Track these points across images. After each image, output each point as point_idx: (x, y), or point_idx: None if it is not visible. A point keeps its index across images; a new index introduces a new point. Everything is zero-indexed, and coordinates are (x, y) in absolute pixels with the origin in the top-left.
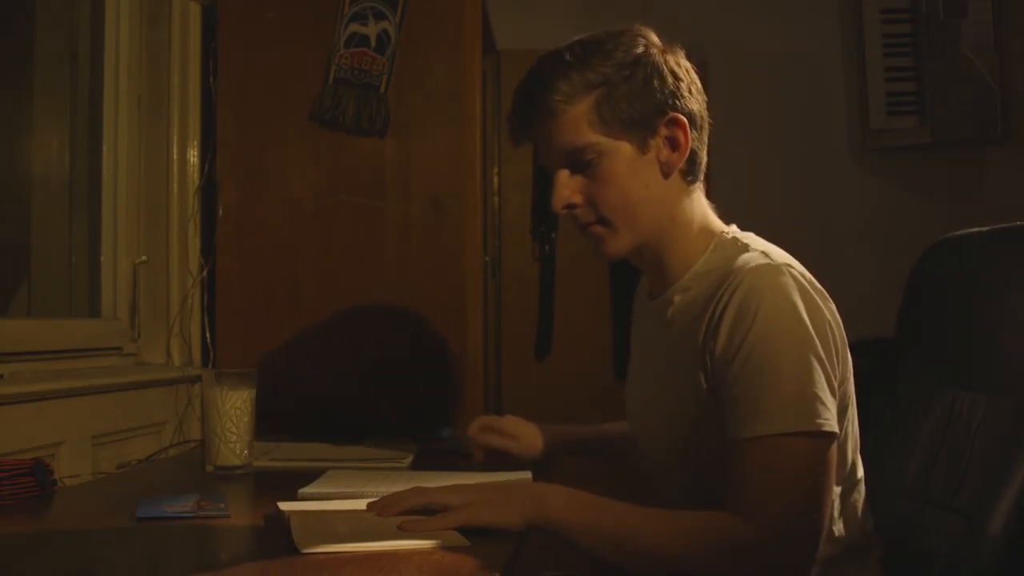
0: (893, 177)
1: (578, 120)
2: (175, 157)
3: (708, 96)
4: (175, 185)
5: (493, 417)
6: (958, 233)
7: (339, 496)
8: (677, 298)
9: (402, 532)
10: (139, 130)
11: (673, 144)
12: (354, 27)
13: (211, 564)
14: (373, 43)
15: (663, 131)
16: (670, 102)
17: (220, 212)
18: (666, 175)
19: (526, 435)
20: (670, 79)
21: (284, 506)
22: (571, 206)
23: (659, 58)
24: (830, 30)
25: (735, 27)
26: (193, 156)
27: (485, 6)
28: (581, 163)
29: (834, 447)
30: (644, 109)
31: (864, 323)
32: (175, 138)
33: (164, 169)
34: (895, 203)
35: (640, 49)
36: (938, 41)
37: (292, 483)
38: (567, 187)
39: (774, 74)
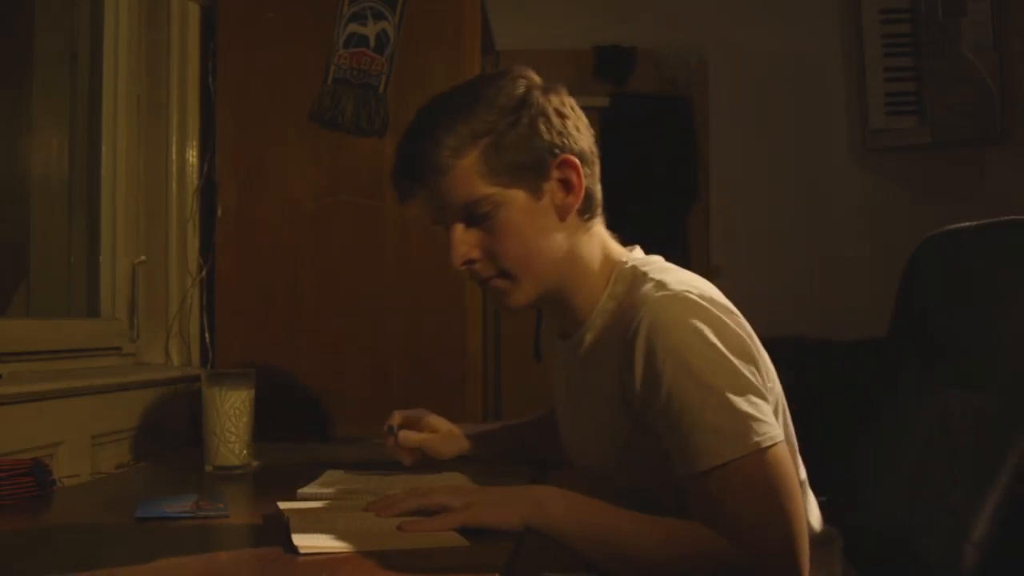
0: (893, 177)
1: (468, 173)
2: (174, 157)
3: (709, 97)
4: (174, 185)
5: (411, 411)
6: (947, 228)
7: (338, 496)
8: (588, 336)
9: (401, 532)
10: (138, 130)
11: (567, 186)
12: (353, 27)
13: (210, 563)
14: (372, 43)
15: (555, 174)
16: (559, 143)
17: (219, 212)
18: (563, 218)
19: (447, 430)
20: (556, 119)
21: (284, 505)
22: (470, 261)
23: (542, 99)
24: (830, 30)
25: (735, 27)
26: (192, 156)
27: (484, 6)
28: (476, 216)
29: (779, 451)
30: (533, 154)
31: (864, 323)
32: (174, 138)
33: (163, 169)
34: (895, 203)
35: (521, 91)
36: (937, 41)
37: (291, 483)
38: (464, 243)
39: (774, 74)
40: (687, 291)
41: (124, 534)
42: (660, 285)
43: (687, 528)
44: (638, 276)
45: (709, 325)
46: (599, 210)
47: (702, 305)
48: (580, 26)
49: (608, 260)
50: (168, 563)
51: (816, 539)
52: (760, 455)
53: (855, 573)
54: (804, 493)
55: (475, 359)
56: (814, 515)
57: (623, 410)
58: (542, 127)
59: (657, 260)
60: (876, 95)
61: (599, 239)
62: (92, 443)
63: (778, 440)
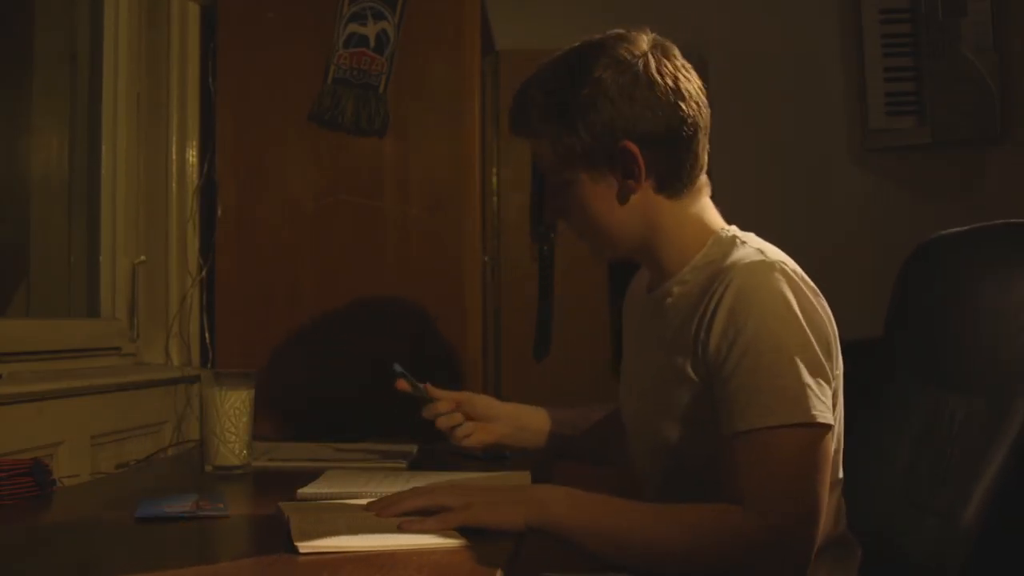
0: (892, 177)
1: (543, 149)
2: (174, 157)
3: (708, 97)
4: (174, 185)
5: (466, 395)
6: (944, 232)
7: (338, 496)
8: (676, 289)
9: (402, 532)
10: (138, 130)
11: (627, 172)
12: (353, 27)
13: (210, 564)
14: (372, 43)
15: (618, 157)
16: (622, 131)
17: (219, 212)
18: (623, 201)
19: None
20: (625, 104)
21: (284, 505)
22: (552, 226)
23: (614, 83)
24: (829, 30)
25: (735, 27)
26: (192, 156)
27: (484, 6)
28: (553, 188)
29: (830, 437)
30: (596, 140)
31: (862, 323)
32: (174, 138)
33: (163, 169)
34: (894, 203)
35: (595, 76)
36: (937, 41)
37: (291, 483)
38: (549, 208)
39: (774, 74)
40: (784, 263)
41: (124, 534)
42: (759, 252)
43: (701, 511)
44: (736, 244)
45: (797, 298)
46: (686, 186)
47: (794, 279)
48: (580, 26)
49: (705, 227)
50: (168, 563)
51: (837, 538)
52: (810, 430)
53: None
54: (835, 492)
55: (475, 359)
56: (837, 516)
57: (691, 362)
58: (606, 112)
59: (755, 236)
60: (876, 95)
61: (694, 209)
62: (92, 443)
63: (830, 423)
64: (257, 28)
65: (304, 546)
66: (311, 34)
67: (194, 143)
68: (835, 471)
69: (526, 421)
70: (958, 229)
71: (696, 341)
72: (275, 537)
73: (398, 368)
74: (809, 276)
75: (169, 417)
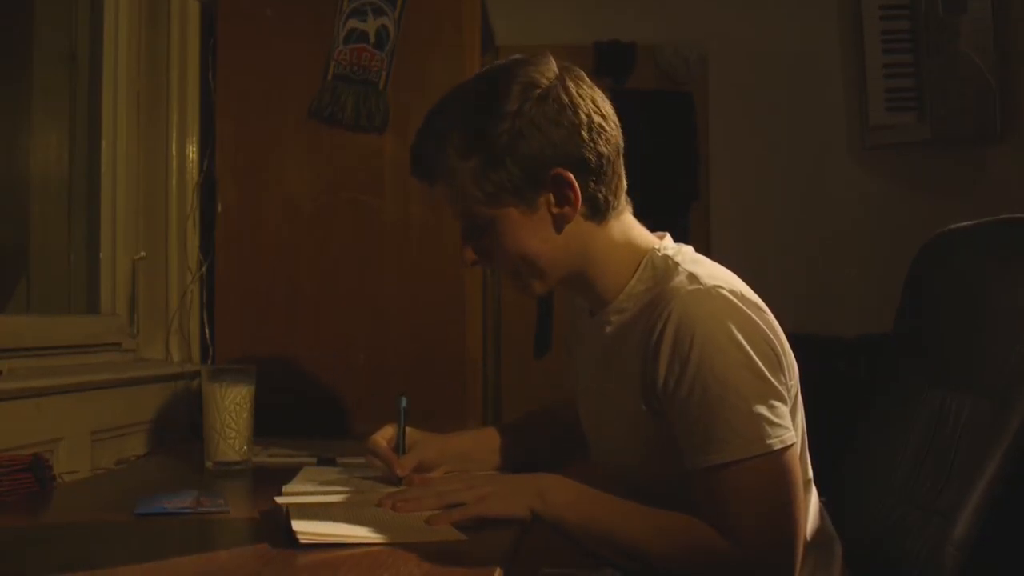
0: (892, 174)
1: (463, 189)
2: (174, 154)
3: (708, 94)
4: (174, 182)
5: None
6: (949, 228)
7: (326, 491)
8: (614, 318)
9: (398, 527)
10: (138, 127)
11: (562, 200)
12: (353, 23)
13: (210, 560)
14: (372, 39)
15: (550, 186)
16: (551, 154)
17: (219, 209)
18: (559, 229)
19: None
20: (552, 131)
21: (281, 500)
22: (477, 262)
23: (535, 109)
24: (830, 27)
25: (735, 23)
26: (192, 153)
27: (484, 2)
28: (475, 226)
29: (791, 455)
30: (525, 172)
31: (863, 320)
32: (174, 135)
33: (163, 166)
34: (894, 200)
35: (515, 106)
36: (937, 38)
37: (291, 479)
38: (467, 248)
39: (774, 71)
40: (719, 286)
41: (124, 530)
42: (692, 278)
43: (681, 521)
44: (670, 265)
45: (737, 324)
46: (612, 209)
47: (733, 302)
48: (580, 22)
49: (635, 248)
50: (168, 559)
51: (813, 540)
52: (770, 458)
53: None
54: (808, 492)
55: (475, 359)
56: (812, 515)
57: (643, 396)
58: (534, 141)
59: (688, 250)
60: (876, 91)
61: (620, 231)
62: (92, 439)
63: (790, 443)
64: (257, 25)
65: (303, 534)
66: (311, 31)
67: (194, 140)
68: (803, 472)
69: (473, 454)
70: (965, 224)
71: (644, 377)
72: (275, 533)
73: (404, 403)
74: (808, 273)
75: (169, 413)
